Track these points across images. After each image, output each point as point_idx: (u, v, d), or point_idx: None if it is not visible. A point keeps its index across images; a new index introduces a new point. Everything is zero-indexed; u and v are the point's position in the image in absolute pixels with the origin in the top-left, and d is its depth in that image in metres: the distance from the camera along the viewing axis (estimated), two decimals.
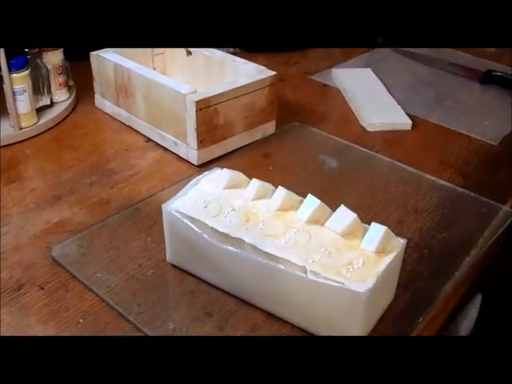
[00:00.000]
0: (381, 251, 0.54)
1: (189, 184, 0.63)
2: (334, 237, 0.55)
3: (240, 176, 0.63)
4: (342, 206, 0.57)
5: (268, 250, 0.54)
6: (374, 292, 0.50)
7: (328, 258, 0.53)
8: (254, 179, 0.61)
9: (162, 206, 0.60)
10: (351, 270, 0.52)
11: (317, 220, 0.57)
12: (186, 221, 0.58)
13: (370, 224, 0.55)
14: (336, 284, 0.50)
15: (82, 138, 0.89)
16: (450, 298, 0.61)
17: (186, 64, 1.00)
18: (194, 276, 0.62)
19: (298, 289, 0.53)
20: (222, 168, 0.64)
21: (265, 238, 0.55)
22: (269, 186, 0.61)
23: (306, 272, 0.52)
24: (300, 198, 0.59)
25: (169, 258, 0.63)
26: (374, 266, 0.52)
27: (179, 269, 0.63)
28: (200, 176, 0.64)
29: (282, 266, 0.53)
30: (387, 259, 0.53)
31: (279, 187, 0.59)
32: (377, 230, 0.54)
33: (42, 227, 0.69)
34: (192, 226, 0.58)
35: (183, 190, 0.62)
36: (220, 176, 0.63)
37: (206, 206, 0.59)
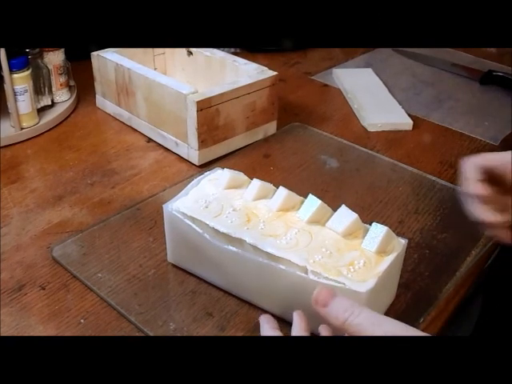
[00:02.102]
0: (382, 251, 0.54)
1: (190, 184, 0.63)
2: (334, 237, 0.55)
3: (241, 176, 0.63)
4: (343, 206, 0.57)
5: (269, 250, 0.54)
6: (374, 292, 0.50)
7: (329, 258, 0.53)
8: (254, 179, 0.61)
9: (163, 206, 0.60)
10: (352, 270, 0.52)
11: (318, 220, 0.57)
12: (186, 221, 0.58)
13: (370, 224, 0.55)
14: (337, 284, 0.50)
15: (83, 138, 0.90)
16: (450, 298, 0.61)
17: (186, 64, 1.00)
18: (194, 276, 0.62)
19: (299, 289, 0.53)
20: (223, 168, 0.64)
21: (265, 238, 0.55)
22: (269, 186, 0.61)
23: (306, 272, 0.52)
24: (301, 198, 0.59)
25: (169, 257, 0.63)
26: (375, 267, 0.52)
27: (180, 269, 0.63)
28: (201, 176, 0.64)
29: (282, 266, 0.53)
30: (388, 259, 0.53)
31: (280, 187, 0.59)
32: (378, 231, 0.54)
33: (43, 227, 0.69)
34: (193, 225, 0.58)
35: (184, 190, 0.62)
36: (221, 176, 0.63)
37: (206, 206, 0.59)
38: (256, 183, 0.60)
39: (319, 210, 0.57)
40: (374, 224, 0.55)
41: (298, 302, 0.54)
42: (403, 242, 0.56)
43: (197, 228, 0.58)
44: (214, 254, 0.58)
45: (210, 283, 0.61)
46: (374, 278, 0.51)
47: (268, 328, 0.49)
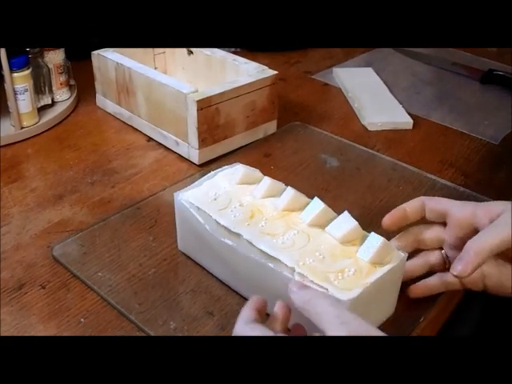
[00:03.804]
0: (377, 262, 0.53)
1: (205, 176, 0.64)
2: (332, 242, 0.55)
3: (255, 173, 0.63)
4: (346, 212, 0.56)
5: (262, 248, 0.54)
6: (360, 302, 0.49)
7: (320, 262, 0.52)
8: (265, 177, 0.61)
9: (174, 194, 0.61)
10: (340, 277, 0.51)
11: (319, 224, 0.56)
12: (192, 210, 0.59)
13: (373, 230, 0.55)
14: (319, 289, 0.49)
15: (84, 137, 0.90)
16: (451, 298, 0.61)
17: (187, 63, 1.00)
18: (194, 275, 0.62)
19: (285, 288, 0.52)
20: (238, 163, 0.65)
21: (263, 236, 0.55)
22: (280, 184, 0.61)
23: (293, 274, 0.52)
24: (308, 199, 0.59)
25: (180, 246, 0.64)
26: (365, 277, 0.51)
27: (180, 268, 0.63)
28: (218, 169, 0.65)
29: (271, 265, 0.53)
30: (381, 271, 0.52)
31: (288, 187, 0.59)
32: (374, 241, 0.53)
33: (43, 226, 0.69)
34: (196, 215, 0.58)
35: (198, 181, 0.63)
36: (235, 171, 0.63)
37: (215, 199, 0.60)
38: (266, 181, 0.60)
39: (321, 213, 0.56)
40: (372, 234, 0.54)
41: (283, 300, 0.54)
42: (402, 255, 0.54)
43: (199, 218, 0.58)
44: (213, 246, 0.58)
45: (211, 281, 0.61)
46: (360, 288, 0.50)
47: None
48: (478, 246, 0.52)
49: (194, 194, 0.61)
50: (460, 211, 0.57)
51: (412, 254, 0.59)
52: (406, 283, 0.59)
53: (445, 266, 0.59)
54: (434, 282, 0.59)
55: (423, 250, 0.60)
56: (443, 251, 0.59)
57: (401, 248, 0.56)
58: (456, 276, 0.52)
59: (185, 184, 0.63)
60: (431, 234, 0.59)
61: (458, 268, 0.52)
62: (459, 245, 0.56)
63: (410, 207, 0.59)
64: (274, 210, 0.59)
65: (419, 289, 0.59)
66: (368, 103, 0.98)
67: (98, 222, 0.69)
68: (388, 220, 0.59)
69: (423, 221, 0.60)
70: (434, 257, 0.60)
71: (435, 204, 0.59)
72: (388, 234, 0.56)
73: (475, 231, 0.55)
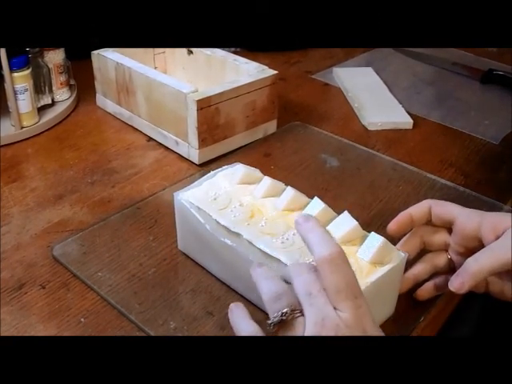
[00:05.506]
0: (377, 262, 0.53)
1: (205, 176, 0.64)
2: None
3: (256, 173, 0.63)
4: (346, 212, 0.56)
5: (261, 247, 0.54)
6: None
7: None
8: (266, 177, 0.61)
9: (174, 194, 0.61)
10: None
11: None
12: (192, 210, 0.59)
13: (373, 230, 0.54)
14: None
15: (84, 137, 0.89)
16: (451, 298, 0.61)
17: (187, 63, 1.00)
18: (194, 275, 0.62)
19: None
20: (238, 163, 0.64)
21: (263, 236, 0.55)
22: (280, 184, 0.61)
23: None
24: (308, 199, 0.59)
25: (180, 245, 0.64)
26: (366, 276, 0.51)
27: (180, 268, 0.63)
28: (218, 169, 0.65)
29: (271, 265, 0.53)
30: (381, 271, 0.52)
31: (288, 187, 0.59)
32: (374, 241, 0.53)
33: (43, 226, 0.69)
34: (197, 215, 0.58)
35: (198, 181, 0.63)
36: (235, 171, 0.63)
37: (215, 199, 0.60)
38: (267, 181, 0.60)
39: (321, 213, 0.56)
40: (371, 233, 0.54)
41: None
42: (403, 255, 0.54)
43: (200, 218, 0.58)
44: (214, 246, 0.58)
45: (211, 281, 0.61)
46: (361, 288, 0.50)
47: (239, 317, 0.48)
48: (477, 267, 0.52)
49: (194, 194, 0.61)
50: (466, 222, 0.56)
51: (417, 255, 0.59)
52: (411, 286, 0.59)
53: (450, 268, 0.59)
54: (439, 284, 0.59)
55: (427, 250, 0.60)
56: (448, 253, 0.59)
57: (407, 251, 0.56)
58: (452, 291, 0.53)
59: (185, 184, 0.63)
60: (437, 237, 0.59)
61: (454, 284, 0.53)
62: (464, 252, 0.57)
63: (416, 212, 0.59)
64: (274, 210, 0.59)
65: (426, 292, 0.59)
66: (368, 103, 0.98)
67: (98, 222, 0.69)
68: (393, 226, 0.59)
69: None
70: (439, 260, 0.59)
71: (442, 211, 0.58)
72: (388, 235, 0.56)
73: (480, 243, 0.55)
